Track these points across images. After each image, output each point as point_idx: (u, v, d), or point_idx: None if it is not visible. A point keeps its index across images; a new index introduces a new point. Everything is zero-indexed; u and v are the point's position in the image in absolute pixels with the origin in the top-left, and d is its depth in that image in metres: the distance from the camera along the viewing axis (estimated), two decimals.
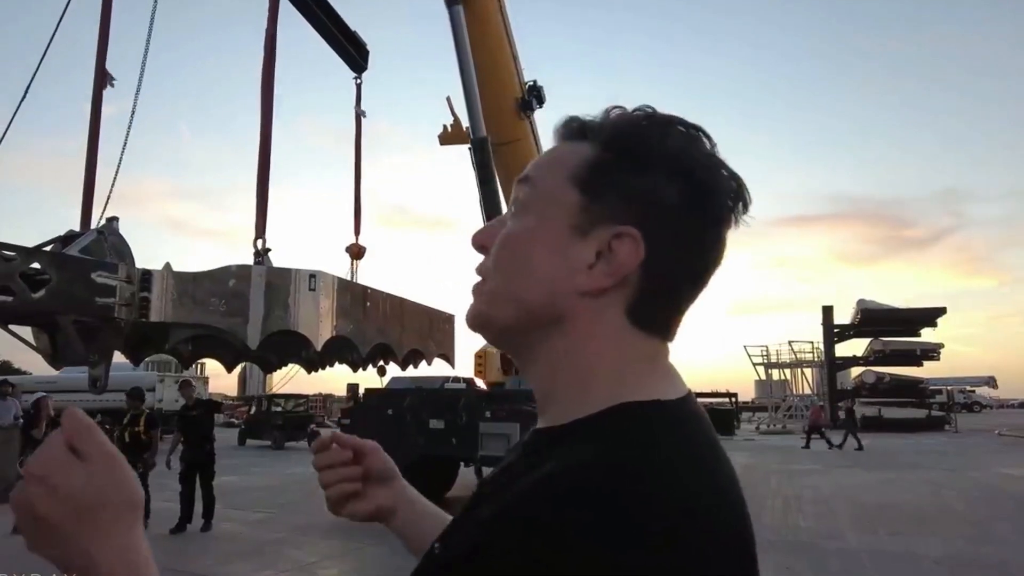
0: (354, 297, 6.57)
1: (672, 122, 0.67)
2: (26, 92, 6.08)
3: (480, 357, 11.99)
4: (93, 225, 6.30)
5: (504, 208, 11.73)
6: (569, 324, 0.65)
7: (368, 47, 9.65)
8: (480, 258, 0.72)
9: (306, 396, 25.12)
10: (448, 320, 11.42)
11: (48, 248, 5.36)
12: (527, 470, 0.58)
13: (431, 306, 10.10)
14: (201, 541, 8.43)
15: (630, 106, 0.70)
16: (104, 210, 5.96)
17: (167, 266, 5.42)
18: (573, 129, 0.71)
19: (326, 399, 31.13)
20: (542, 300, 0.65)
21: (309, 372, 8.40)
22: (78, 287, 4.74)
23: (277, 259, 6.18)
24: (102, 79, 6.44)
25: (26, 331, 4.43)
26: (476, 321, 0.71)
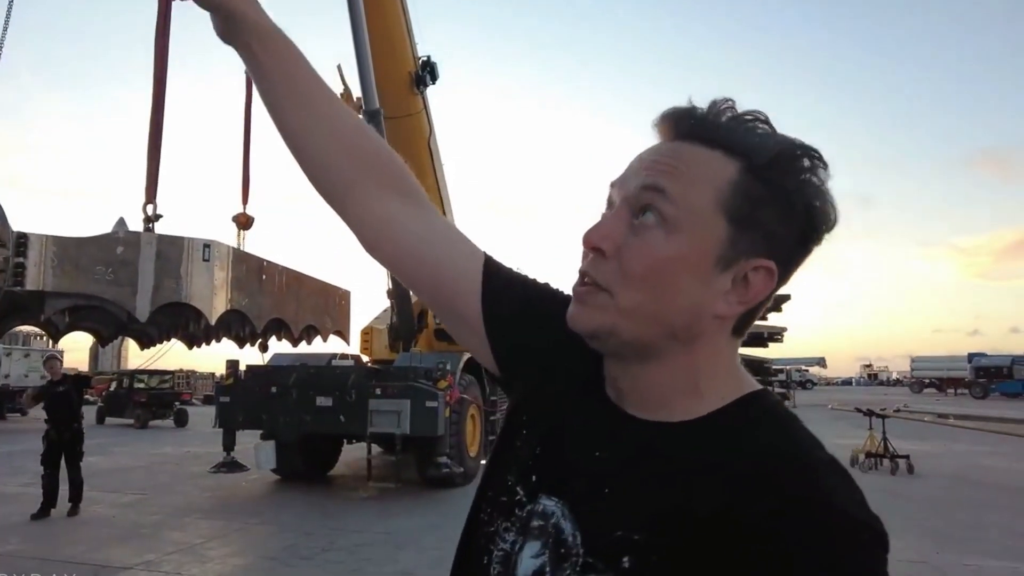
0: (250, 269, 6.41)
1: (814, 159, 0.68)
2: None
3: (367, 334, 11.89)
4: None
5: None
6: (696, 339, 0.70)
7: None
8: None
9: (171, 372, 23.64)
10: (344, 296, 11.45)
11: None
12: (709, 453, 0.66)
13: (327, 281, 10.00)
14: (70, 526, 7.87)
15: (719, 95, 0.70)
16: None
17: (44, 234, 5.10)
18: (696, 129, 0.70)
19: (190, 376, 29.44)
20: (683, 323, 0.68)
21: (191, 347, 8.07)
22: None
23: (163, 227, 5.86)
24: None
25: None
26: (596, 331, 0.70)
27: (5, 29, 5.53)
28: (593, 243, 0.69)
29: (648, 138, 0.73)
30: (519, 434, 0.81)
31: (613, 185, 0.73)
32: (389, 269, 0.90)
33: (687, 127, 0.70)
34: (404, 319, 11.25)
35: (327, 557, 6.57)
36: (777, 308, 39.82)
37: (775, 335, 41.44)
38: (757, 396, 0.71)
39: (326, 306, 8.99)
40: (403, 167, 0.89)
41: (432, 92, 12.54)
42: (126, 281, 5.14)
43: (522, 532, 0.73)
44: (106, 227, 5.99)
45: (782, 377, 40.22)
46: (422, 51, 12.20)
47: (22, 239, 4.64)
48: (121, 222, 6.29)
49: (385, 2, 11.02)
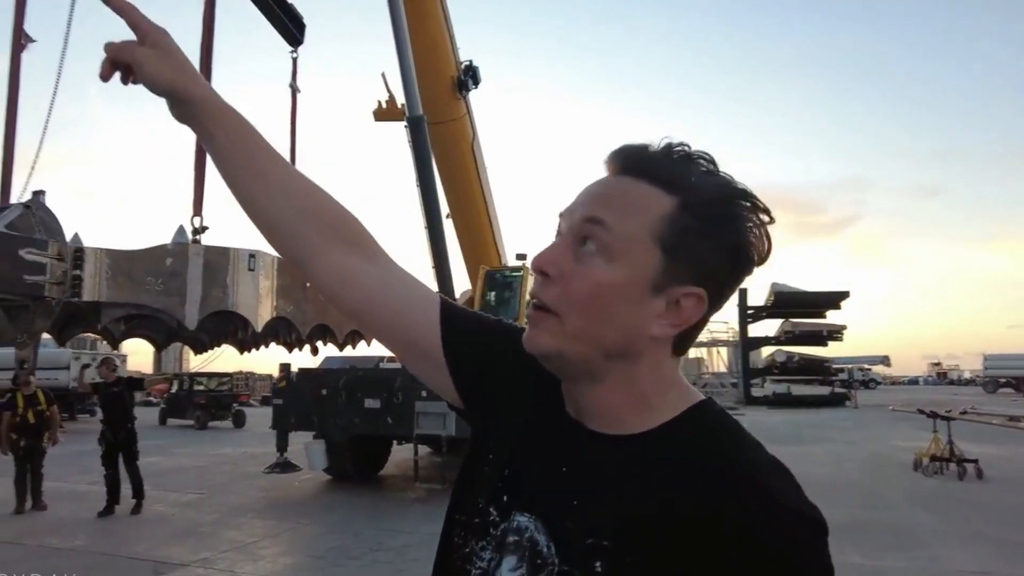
0: (294, 277, 6.56)
1: (749, 199, 0.75)
2: None
3: None
4: (13, 196, 6.03)
5: (440, 187, 11.82)
6: (636, 358, 0.76)
7: (305, 21, 9.45)
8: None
9: (229, 374, 24.42)
10: None
11: None
12: (666, 461, 0.73)
13: None
14: (133, 524, 8.24)
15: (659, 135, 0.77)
16: (28, 182, 5.71)
17: (101, 249, 5.33)
18: (639, 166, 0.76)
19: (248, 377, 30.35)
20: (620, 343, 0.75)
21: (242, 353, 8.31)
22: (5, 265, 4.58)
23: (213, 238, 6.06)
24: (20, 40, 6.11)
25: None
26: (546, 353, 0.76)
27: (65, 45, 5.80)
28: (540, 267, 0.76)
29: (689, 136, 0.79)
30: (486, 459, 0.86)
31: (561, 215, 0.79)
32: (353, 318, 0.94)
33: (632, 163, 0.76)
34: None
35: (375, 557, 6.69)
36: (835, 305, 38.80)
37: (834, 333, 40.25)
38: (703, 406, 0.79)
39: None
40: (356, 221, 0.94)
41: (474, 95, 12.65)
42: (175, 291, 5.34)
43: (498, 549, 0.78)
44: (166, 235, 6.27)
45: (843, 376, 39.09)
46: (463, 56, 12.30)
47: (78, 252, 4.87)
48: (181, 230, 6.53)
49: (427, 9, 11.15)
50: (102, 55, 0.83)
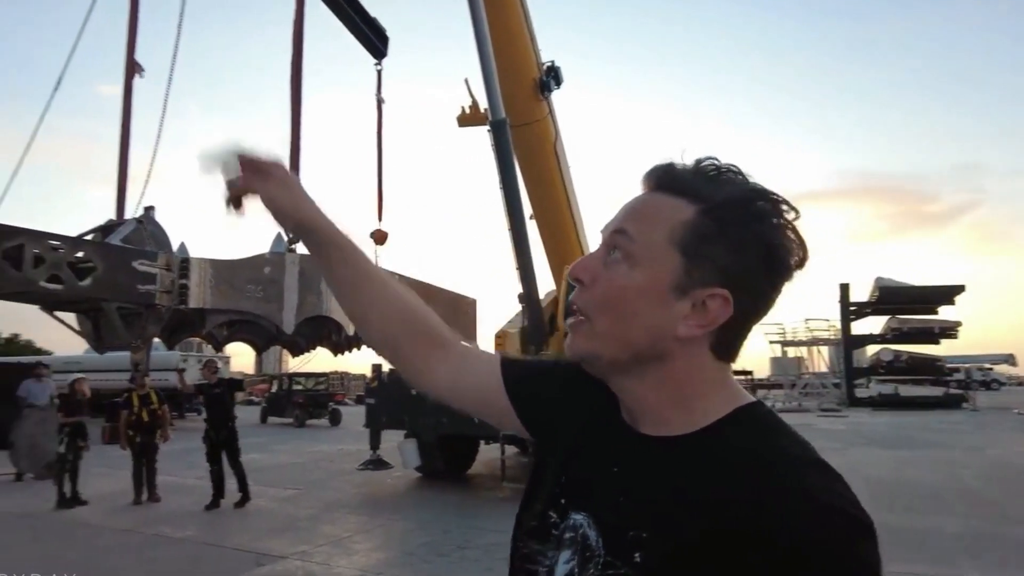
0: None
1: (774, 202, 0.79)
2: (59, 82, 6.26)
3: (500, 338, 12.14)
4: (127, 211, 6.53)
5: (523, 191, 11.87)
6: (668, 359, 0.81)
7: (388, 34, 9.71)
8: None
9: (325, 375, 25.46)
10: (471, 304, 11.74)
11: (91, 237, 5.57)
12: (706, 459, 0.76)
13: (454, 291, 10.29)
14: (236, 517, 8.70)
15: (696, 152, 0.82)
16: (141, 198, 6.16)
17: (204, 259, 5.64)
18: (667, 181, 0.82)
19: (343, 377, 31.54)
20: (646, 343, 0.80)
21: (336, 355, 8.61)
22: (121, 275, 4.96)
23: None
24: (132, 69, 6.63)
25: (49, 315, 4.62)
26: (583, 356, 0.84)
27: (174, 62, 6.20)
28: (575, 275, 0.83)
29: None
30: (546, 472, 0.94)
31: (601, 231, 0.86)
32: (442, 400, 1.09)
33: (661, 179, 0.82)
34: (534, 323, 11.39)
35: (463, 555, 6.79)
36: (948, 301, 36.28)
37: (948, 331, 37.63)
38: (749, 408, 0.81)
39: (455, 315, 9.31)
40: (437, 320, 1.09)
41: (557, 96, 12.61)
42: (274, 298, 5.60)
43: (557, 547, 0.85)
44: (265, 244, 6.60)
45: (959, 376, 36.54)
46: (544, 57, 12.28)
47: (184, 263, 5.19)
48: (278, 238, 6.85)
49: (508, 12, 11.21)
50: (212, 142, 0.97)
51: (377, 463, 10.65)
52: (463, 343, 1.10)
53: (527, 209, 11.58)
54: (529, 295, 10.99)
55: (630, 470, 0.82)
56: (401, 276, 7.23)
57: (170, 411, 10.69)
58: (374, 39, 9.35)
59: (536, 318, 11.34)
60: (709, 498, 0.72)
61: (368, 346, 1.09)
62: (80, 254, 4.68)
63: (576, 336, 0.83)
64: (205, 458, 9.33)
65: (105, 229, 5.52)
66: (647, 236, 0.79)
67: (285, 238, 6.47)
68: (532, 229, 11.80)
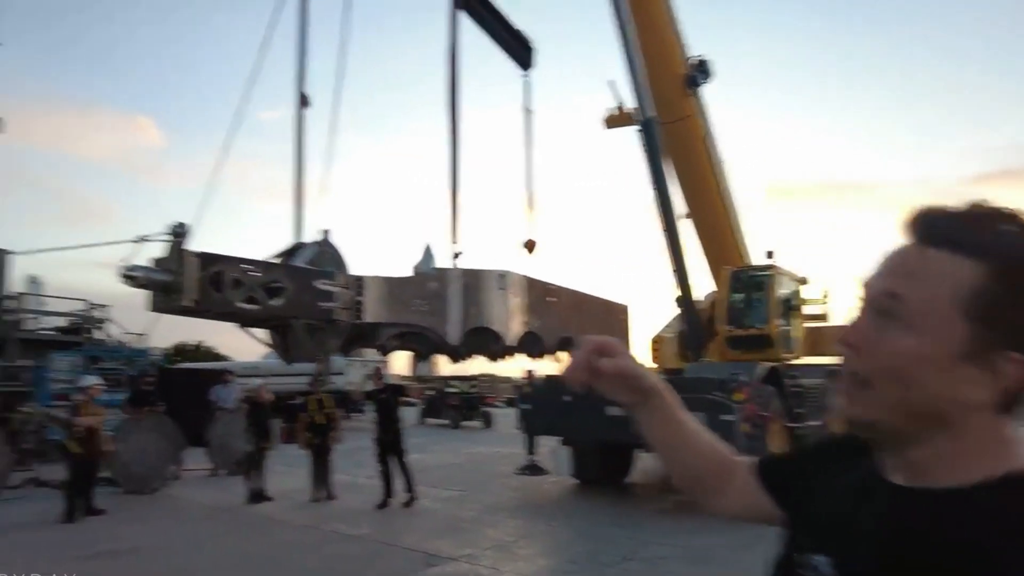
0: (539, 293, 6.82)
1: None
2: (237, 114, 6.85)
3: (656, 343, 11.87)
4: (303, 234, 7.06)
5: (673, 190, 11.54)
6: (950, 423, 0.76)
7: (534, 44, 9.79)
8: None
9: (476, 378, 26.24)
10: (623, 310, 11.50)
11: (279, 260, 6.07)
12: (961, 518, 0.72)
13: (606, 298, 10.17)
14: (405, 517, 9.12)
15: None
16: (315, 220, 6.62)
17: (375, 277, 5.93)
18: (939, 234, 0.75)
19: (492, 380, 32.33)
20: (930, 410, 0.75)
21: (492, 361, 8.77)
22: (307, 295, 5.36)
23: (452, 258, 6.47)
24: (302, 101, 7.16)
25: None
26: (863, 423, 0.80)
27: (337, 102, 6.61)
28: (846, 341, 0.80)
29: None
30: (798, 532, 0.94)
31: (864, 286, 0.81)
32: (736, 518, 1.14)
33: (932, 231, 0.75)
34: (692, 327, 11.02)
35: (627, 567, 6.67)
36: None
37: None
38: None
39: (608, 322, 9.19)
40: (723, 449, 1.14)
41: (707, 90, 12.15)
42: (439, 311, 5.80)
43: None
44: (416, 254, 6.88)
45: None
46: (692, 51, 11.87)
47: (360, 281, 5.52)
48: (428, 251, 7.12)
49: (652, 7, 10.95)
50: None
51: (533, 468, 10.76)
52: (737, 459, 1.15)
53: (681, 209, 11.26)
54: (686, 298, 10.65)
55: (876, 517, 0.79)
56: (555, 286, 7.28)
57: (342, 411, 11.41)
58: (520, 50, 9.46)
59: (694, 322, 10.96)
60: (951, 554, 0.70)
61: (675, 482, 1.16)
62: (269, 276, 5.09)
63: (855, 403, 0.79)
64: (375, 459, 9.87)
65: (290, 252, 5.97)
66: (925, 300, 0.74)
67: (446, 256, 6.68)
68: (687, 229, 11.47)
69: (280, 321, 5.44)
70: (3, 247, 14.54)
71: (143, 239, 4.47)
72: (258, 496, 10.02)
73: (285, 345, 5.80)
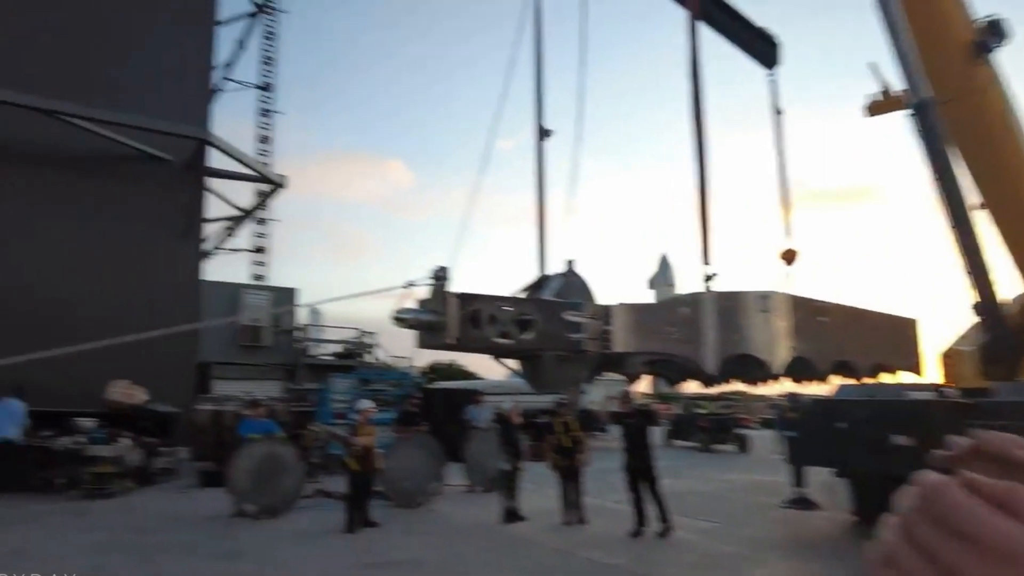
0: (808, 313, 6.04)
1: None
2: (486, 154, 7.04)
3: (950, 358, 10.08)
4: (549, 263, 7.08)
5: (962, 177, 9.76)
6: None
7: (778, 40, 8.94)
8: None
9: (729, 398, 24.76)
10: (911, 325, 9.96)
11: (525, 293, 6.12)
12: None
13: (889, 312, 8.81)
14: (661, 548, 8.68)
15: None
16: (559, 253, 6.57)
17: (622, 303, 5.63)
18: None
19: (744, 398, 30.34)
20: None
21: (750, 386, 8.01)
22: (556, 326, 5.27)
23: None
24: (541, 133, 7.23)
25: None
26: None
27: (578, 132, 6.50)
28: None
29: None
30: None
31: None
32: None
33: None
34: (998, 337, 9.14)
35: None
36: None
37: None
38: None
39: (893, 340, 7.92)
40: None
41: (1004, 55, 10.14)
42: (692, 337, 5.37)
43: None
44: (652, 265, 6.52)
45: None
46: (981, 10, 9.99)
47: (607, 311, 5.30)
48: (663, 261, 6.71)
49: None
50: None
51: (803, 502, 9.68)
52: None
53: (973, 199, 9.48)
54: (987, 303, 8.87)
55: None
56: (826, 303, 6.41)
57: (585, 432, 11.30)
58: (763, 48, 8.66)
59: (1000, 331, 9.08)
60: None
61: None
62: (520, 310, 5.08)
63: None
64: (625, 485, 9.57)
65: (536, 285, 5.97)
66: None
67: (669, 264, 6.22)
68: (982, 221, 9.62)
69: (531, 353, 5.42)
70: (292, 285, 16.79)
71: (410, 284, 4.75)
72: (512, 515, 10.24)
73: (535, 374, 5.77)
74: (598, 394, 23.50)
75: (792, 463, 9.81)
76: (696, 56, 5.83)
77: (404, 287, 4.70)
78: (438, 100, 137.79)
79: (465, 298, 4.51)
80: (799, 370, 6.62)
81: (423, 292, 4.71)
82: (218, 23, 20.12)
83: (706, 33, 7.57)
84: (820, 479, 9.81)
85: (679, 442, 24.06)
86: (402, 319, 4.51)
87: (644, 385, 25.62)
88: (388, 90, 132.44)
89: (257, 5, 24.43)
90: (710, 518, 10.48)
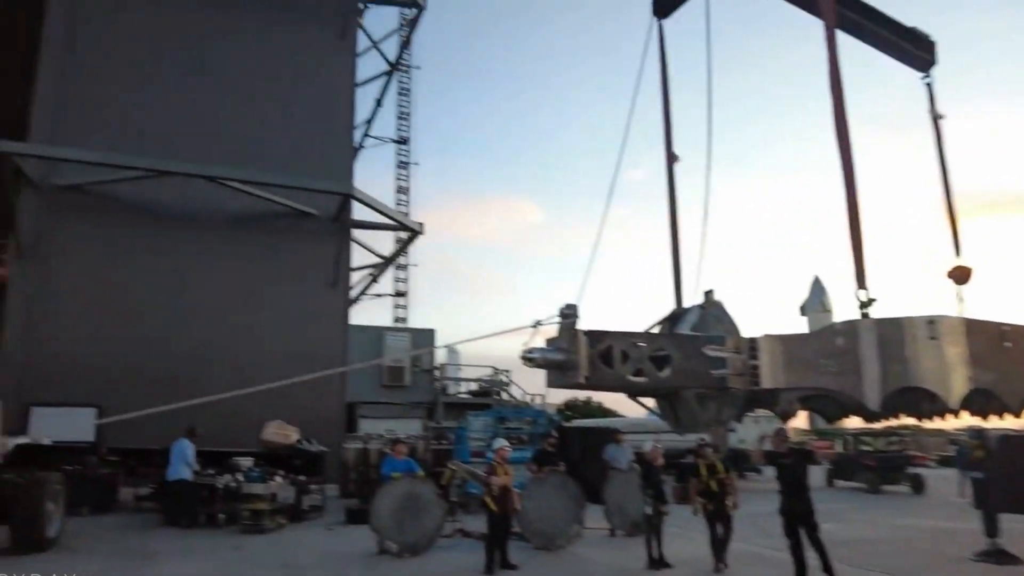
0: (988, 339, 5.31)
1: None
2: (612, 185, 6.91)
3: None
4: (684, 295, 6.77)
5: None
6: None
7: (932, 38, 8.18)
8: None
9: (899, 433, 22.43)
10: None
11: (659, 328, 5.87)
12: None
13: None
14: None
15: None
16: (697, 282, 6.27)
17: (768, 334, 5.23)
18: None
19: (916, 433, 27.44)
20: None
21: (920, 421, 7.18)
22: (695, 363, 4.98)
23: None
24: (671, 159, 7.03)
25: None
26: None
27: (709, 160, 6.22)
28: None
29: None
30: None
31: None
32: None
33: None
34: None
35: None
36: None
37: None
38: None
39: None
40: None
41: None
42: (850, 370, 4.88)
43: None
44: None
45: None
46: None
47: (752, 343, 4.93)
48: (816, 283, 6.20)
49: None
50: None
51: (998, 555, 8.44)
52: None
53: None
54: None
55: None
56: (1012, 326, 5.59)
57: (735, 472, 10.62)
58: (915, 50, 7.93)
59: None
60: None
61: None
62: (655, 346, 4.86)
63: None
64: (783, 531, 8.84)
65: (671, 319, 5.70)
66: None
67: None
68: None
69: (669, 392, 5.14)
70: (430, 327, 17.31)
71: (538, 324, 4.70)
72: (658, 562, 9.73)
73: (675, 414, 5.47)
74: (750, 432, 22.05)
75: (982, 508, 8.63)
76: (836, 65, 5.42)
77: (532, 326, 4.64)
78: (563, 135, 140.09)
79: (595, 335, 4.38)
80: (981, 403, 5.81)
81: (552, 330, 4.65)
82: (357, 85, 21.56)
83: (845, 39, 7.07)
84: (1020, 527, 8.55)
85: (842, 483, 21.92)
86: (530, 359, 4.44)
87: (800, 421, 23.92)
88: (514, 131, 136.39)
89: (391, 64, 26.01)
90: (885, 569, 9.40)
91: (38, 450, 10.31)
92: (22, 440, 10.27)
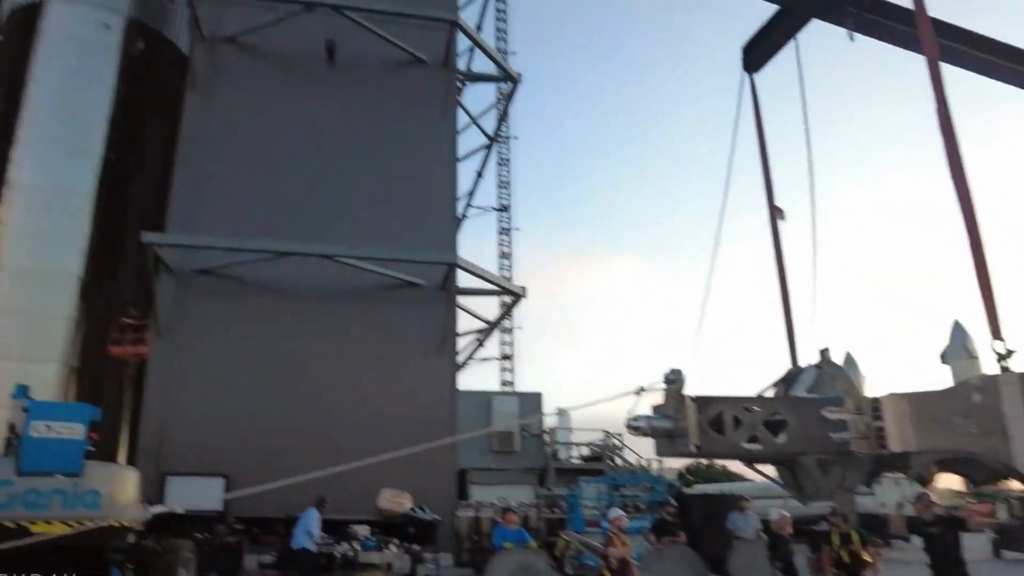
0: None
1: None
2: (716, 243, 6.79)
3: None
4: (799, 354, 6.44)
5: None
6: None
7: None
8: None
9: None
10: None
11: (773, 390, 5.60)
12: None
13: None
14: None
15: None
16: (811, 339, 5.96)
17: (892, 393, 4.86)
18: None
19: None
20: None
21: None
22: (813, 427, 4.69)
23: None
24: (774, 213, 6.82)
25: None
26: None
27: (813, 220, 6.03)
28: None
29: None
30: None
31: None
32: None
33: None
34: None
35: None
36: None
37: None
38: None
39: None
40: None
41: None
42: (993, 430, 4.44)
43: None
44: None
45: None
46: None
47: (875, 403, 4.62)
48: (956, 328, 5.70)
49: None
50: None
51: None
52: None
53: None
54: None
55: None
56: None
57: (873, 539, 9.77)
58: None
59: None
60: None
61: None
62: (768, 411, 4.63)
63: None
64: None
65: (786, 380, 5.44)
66: None
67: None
68: None
69: (787, 458, 4.85)
70: (536, 390, 17.21)
71: (641, 390, 4.59)
72: None
73: (796, 482, 5.14)
74: (889, 495, 20.05)
75: None
76: (944, 103, 5.13)
77: (636, 392, 4.53)
78: (662, 188, 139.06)
79: (702, 401, 4.21)
80: None
81: (658, 395, 4.51)
82: (459, 159, 22.53)
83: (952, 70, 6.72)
84: None
85: (1012, 553, 19.42)
86: (635, 427, 4.31)
87: (953, 482, 21.83)
88: (613, 188, 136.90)
89: (490, 137, 27.06)
90: None
91: (172, 518, 10.98)
92: (159, 509, 10.99)
